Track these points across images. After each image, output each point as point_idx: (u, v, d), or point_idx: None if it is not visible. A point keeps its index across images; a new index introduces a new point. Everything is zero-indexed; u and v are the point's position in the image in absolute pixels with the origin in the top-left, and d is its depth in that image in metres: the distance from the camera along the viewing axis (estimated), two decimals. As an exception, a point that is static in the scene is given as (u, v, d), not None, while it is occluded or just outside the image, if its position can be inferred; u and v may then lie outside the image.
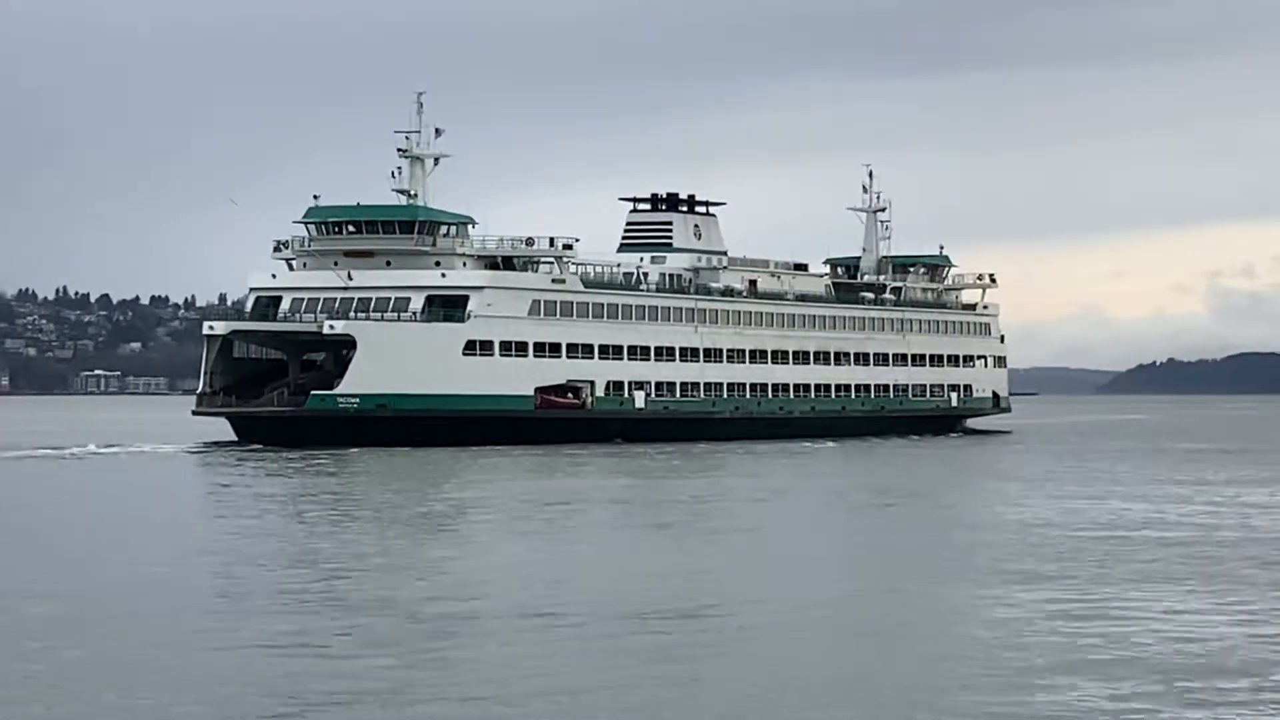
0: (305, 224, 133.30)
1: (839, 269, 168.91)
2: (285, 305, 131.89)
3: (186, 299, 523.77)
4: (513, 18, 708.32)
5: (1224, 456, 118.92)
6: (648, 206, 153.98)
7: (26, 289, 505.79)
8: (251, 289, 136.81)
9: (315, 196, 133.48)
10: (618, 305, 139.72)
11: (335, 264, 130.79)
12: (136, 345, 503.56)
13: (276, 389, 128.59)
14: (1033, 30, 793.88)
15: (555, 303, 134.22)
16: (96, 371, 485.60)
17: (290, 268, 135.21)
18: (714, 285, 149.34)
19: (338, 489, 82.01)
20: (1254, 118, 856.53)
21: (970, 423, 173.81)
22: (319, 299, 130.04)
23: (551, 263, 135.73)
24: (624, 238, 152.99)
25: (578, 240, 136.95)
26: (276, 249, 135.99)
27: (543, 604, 39.08)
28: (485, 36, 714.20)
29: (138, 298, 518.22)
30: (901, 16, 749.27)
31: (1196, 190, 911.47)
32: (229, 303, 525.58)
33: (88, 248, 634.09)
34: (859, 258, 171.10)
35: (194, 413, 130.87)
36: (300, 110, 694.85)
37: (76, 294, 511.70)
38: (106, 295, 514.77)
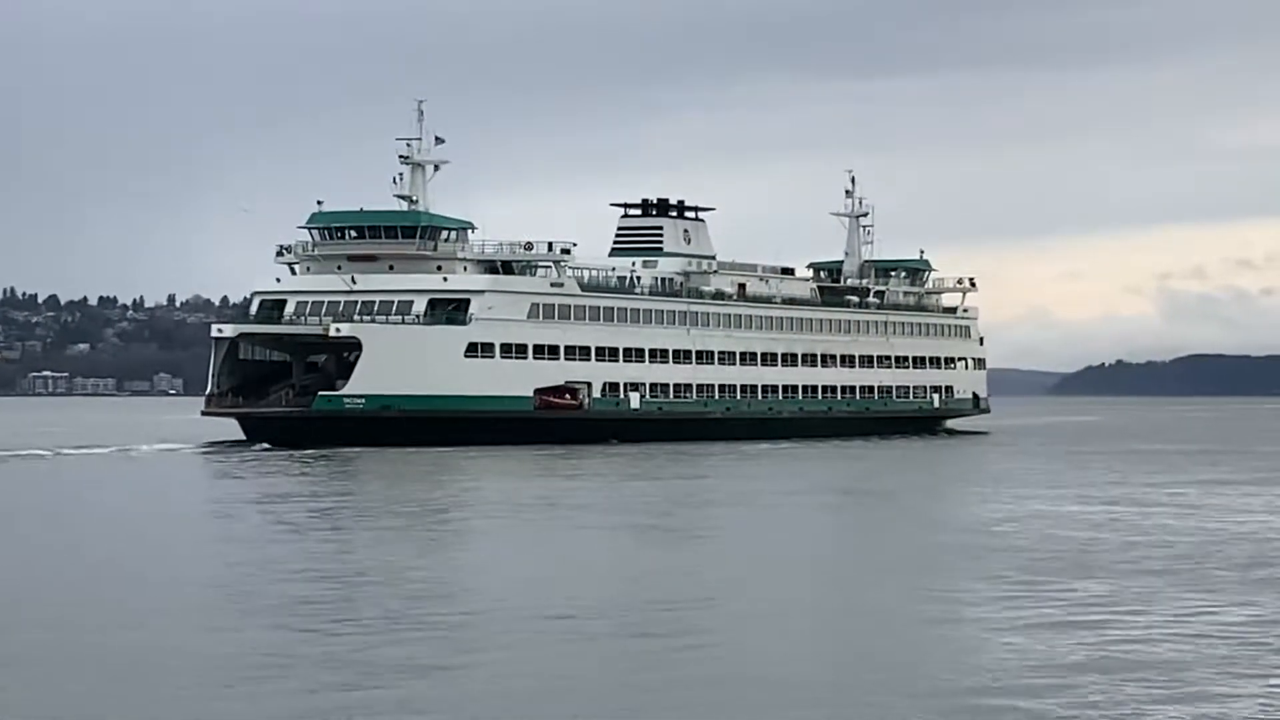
0: (309, 229, 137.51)
1: (822, 273, 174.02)
2: (290, 308, 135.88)
3: (135, 300, 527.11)
4: (502, 20, 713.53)
5: (1209, 456, 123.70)
6: (638, 212, 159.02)
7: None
8: (255, 293, 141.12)
9: (319, 202, 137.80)
10: (614, 308, 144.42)
11: (339, 268, 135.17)
12: (84, 346, 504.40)
13: (281, 390, 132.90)
14: (987, 33, 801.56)
15: (554, 306, 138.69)
16: (44, 373, 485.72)
17: (293, 271, 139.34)
18: (705, 289, 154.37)
19: (348, 489, 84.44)
20: (1206, 120, 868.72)
21: (951, 424, 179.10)
22: (323, 302, 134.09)
23: (549, 267, 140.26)
24: (615, 242, 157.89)
25: (575, 245, 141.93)
26: (279, 253, 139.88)
27: (528, 604, 39.93)
28: (460, 38, 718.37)
29: (85, 299, 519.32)
30: (856, 19, 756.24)
31: (1149, 192, 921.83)
32: (178, 304, 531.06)
33: (36, 248, 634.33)
34: (841, 262, 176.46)
35: (203, 413, 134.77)
36: (294, 114, 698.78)
37: (24, 295, 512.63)
38: (54, 296, 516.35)
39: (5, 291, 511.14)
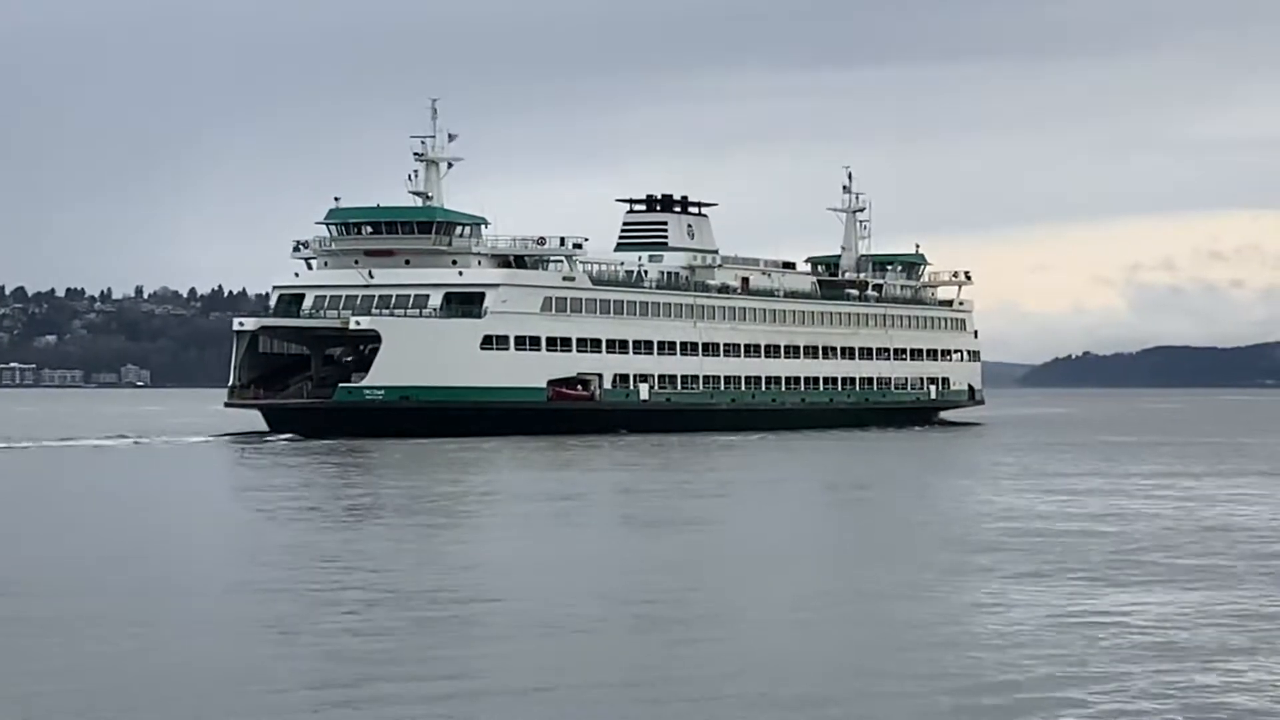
0: (327, 224, 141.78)
1: (819, 267, 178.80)
2: (308, 302, 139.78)
3: (102, 291, 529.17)
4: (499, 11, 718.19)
5: (1207, 448, 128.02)
6: (643, 207, 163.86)
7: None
8: (275, 287, 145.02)
9: (336, 198, 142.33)
10: (623, 302, 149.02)
11: (356, 263, 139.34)
12: (52, 338, 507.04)
13: (300, 382, 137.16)
14: (954, 25, 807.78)
15: (566, 299, 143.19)
16: (11, 365, 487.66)
17: (309, 266, 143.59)
18: (710, 283, 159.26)
19: (369, 481, 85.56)
20: (1177, 112, 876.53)
21: (946, 415, 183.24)
22: (341, 296, 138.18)
23: (561, 261, 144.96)
24: (621, 237, 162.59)
25: (587, 239, 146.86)
26: (296, 249, 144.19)
27: (528, 597, 40.27)
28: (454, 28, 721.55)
29: (53, 290, 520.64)
30: (819, 10, 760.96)
31: (1118, 184, 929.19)
32: (145, 295, 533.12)
33: (3, 240, 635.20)
34: (839, 256, 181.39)
35: (226, 405, 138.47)
36: (275, 108, 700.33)
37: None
38: (22, 288, 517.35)
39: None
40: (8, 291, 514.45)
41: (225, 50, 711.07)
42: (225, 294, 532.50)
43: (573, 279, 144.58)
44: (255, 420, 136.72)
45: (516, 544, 54.15)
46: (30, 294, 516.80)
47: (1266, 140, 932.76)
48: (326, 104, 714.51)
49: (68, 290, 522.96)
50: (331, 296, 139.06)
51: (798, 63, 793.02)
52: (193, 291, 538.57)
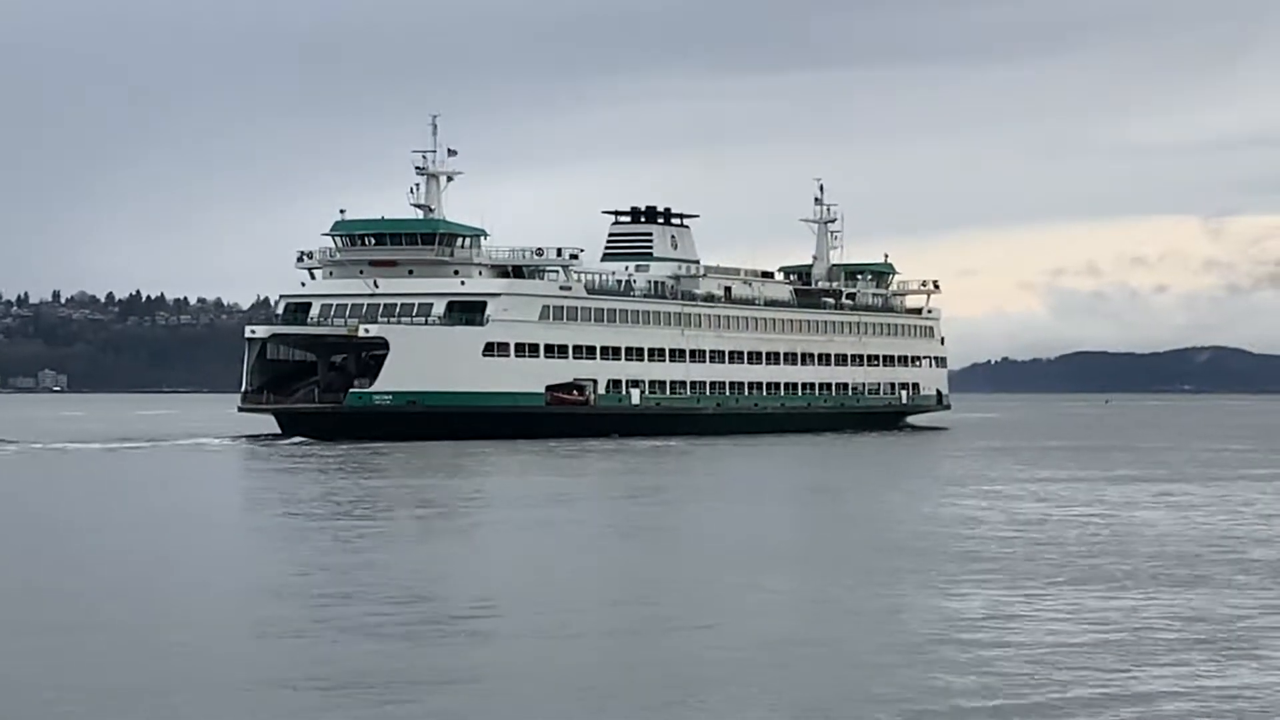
0: (332, 236, 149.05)
1: (791, 275, 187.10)
2: (315, 311, 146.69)
3: (19, 296, 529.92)
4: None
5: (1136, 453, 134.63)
6: (628, 219, 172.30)
7: None
8: (282, 296, 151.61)
9: (341, 211, 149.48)
10: (617, 310, 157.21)
11: (360, 272, 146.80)
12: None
13: (306, 387, 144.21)
14: (878, 31, 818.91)
15: (562, 308, 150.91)
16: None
17: (312, 276, 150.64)
18: (696, 292, 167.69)
19: (380, 484, 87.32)
20: (1100, 117, 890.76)
21: (915, 419, 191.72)
22: (347, 305, 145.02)
23: (557, 271, 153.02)
24: (607, 247, 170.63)
25: (582, 250, 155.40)
26: (300, 259, 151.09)
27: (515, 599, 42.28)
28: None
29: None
30: (748, 12, 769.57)
31: (1045, 189, 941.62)
32: (63, 299, 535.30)
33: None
34: (810, 265, 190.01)
35: (239, 409, 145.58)
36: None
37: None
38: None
39: None
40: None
41: (153, 56, 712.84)
42: (143, 298, 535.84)
43: (569, 288, 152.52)
44: (269, 424, 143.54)
45: (510, 544, 57.22)
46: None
47: (1191, 146, 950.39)
48: (258, 105, 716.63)
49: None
50: (338, 305, 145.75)
51: (726, 67, 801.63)
52: (110, 296, 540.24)
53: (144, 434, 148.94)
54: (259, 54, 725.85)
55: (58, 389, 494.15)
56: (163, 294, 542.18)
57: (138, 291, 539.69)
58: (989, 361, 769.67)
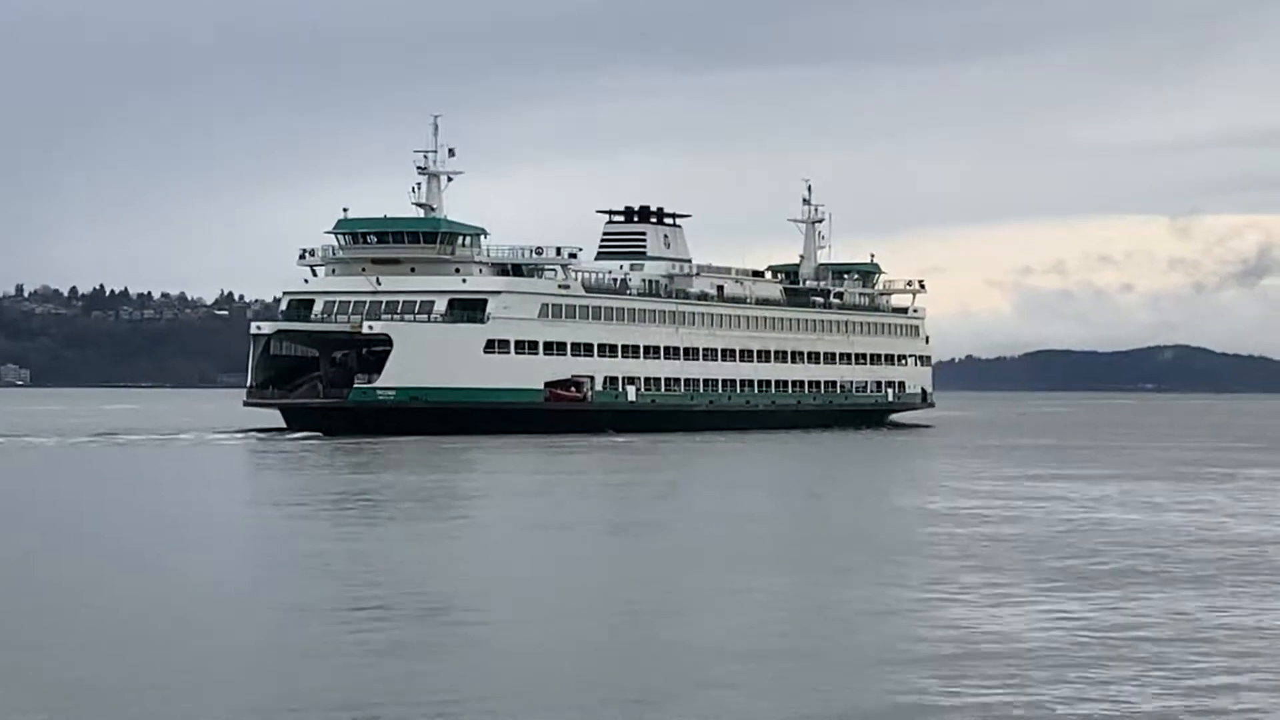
0: (336, 234, 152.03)
1: (780, 275, 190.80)
2: (318, 307, 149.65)
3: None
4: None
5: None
6: (622, 218, 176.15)
7: None
8: (285, 293, 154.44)
9: (344, 210, 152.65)
10: (614, 308, 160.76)
11: (363, 270, 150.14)
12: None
13: (309, 382, 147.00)
14: (854, 29, 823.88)
15: (561, 306, 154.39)
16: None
17: (314, 273, 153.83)
18: (690, 290, 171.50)
19: (382, 479, 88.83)
20: (1073, 118, 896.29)
21: (900, 417, 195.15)
22: (350, 301, 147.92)
23: (556, 270, 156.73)
24: (601, 246, 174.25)
25: (580, 250, 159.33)
26: (302, 256, 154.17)
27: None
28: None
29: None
30: (709, 12, 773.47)
31: (1014, 188, 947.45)
32: (26, 294, 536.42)
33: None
34: (798, 265, 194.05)
35: (245, 404, 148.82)
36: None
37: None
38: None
39: None
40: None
41: (141, 46, 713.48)
42: (107, 293, 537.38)
43: (568, 287, 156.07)
44: (274, 418, 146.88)
45: (504, 538, 58.44)
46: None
47: (1158, 147, 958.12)
48: (232, 103, 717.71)
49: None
50: (340, 302, 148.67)
51: (675, 65, 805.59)
52: (74, 290, 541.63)
53: (155, 428, 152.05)
54: (247, 50, 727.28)
55: (20, 383, 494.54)
56: (126, 289, 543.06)
57: (101, 286, 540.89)
58: (953, 360, 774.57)
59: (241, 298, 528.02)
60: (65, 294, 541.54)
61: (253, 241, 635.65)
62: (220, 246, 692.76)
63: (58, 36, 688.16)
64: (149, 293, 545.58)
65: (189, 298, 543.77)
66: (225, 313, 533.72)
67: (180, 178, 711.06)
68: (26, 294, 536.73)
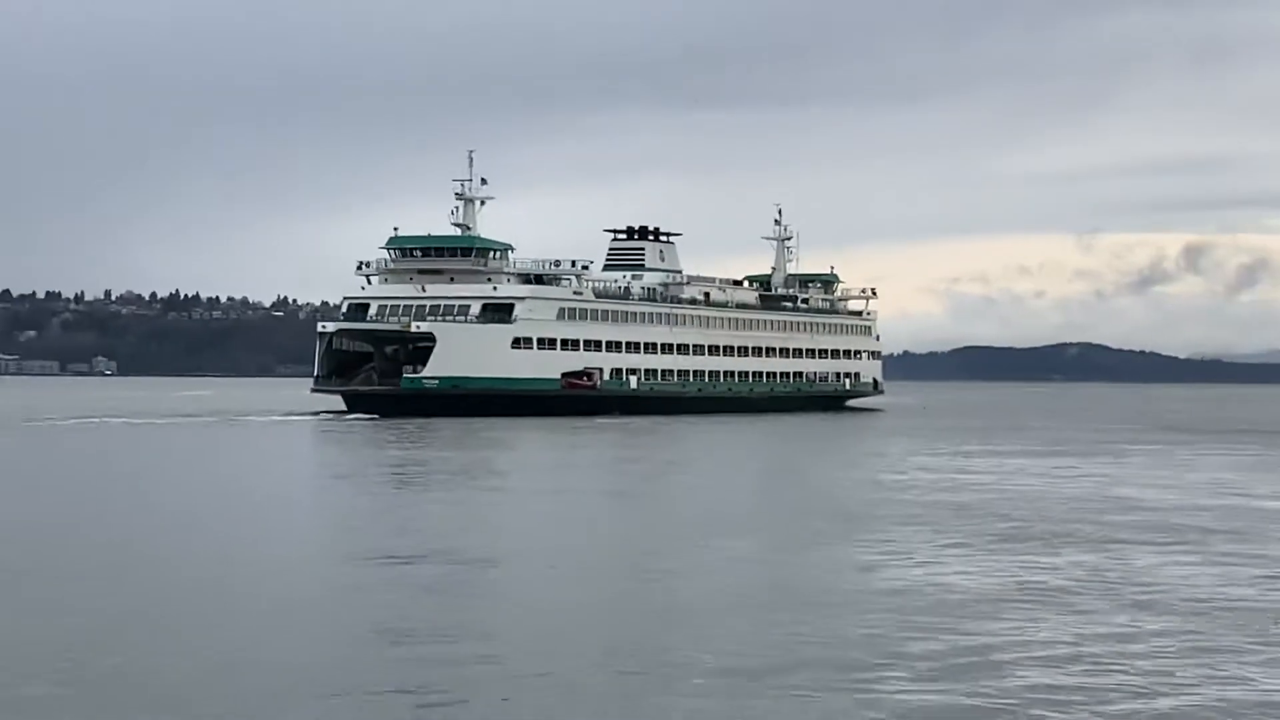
0: (388, 249, 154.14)
1: (755, 283, 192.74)
2: (373, 310, 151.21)
3: (77, 294, 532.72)
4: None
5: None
6: (625, 236, 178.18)
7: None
8: (345, 298, 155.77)
9: (395, 229, 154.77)
10: (619, 311, 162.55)
11: (411, 279, 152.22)
12: (33, 333, 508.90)
13: (365, 372, 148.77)
14: (811, 78, 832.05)
15: (575, 309, 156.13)
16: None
17: (369, 281, 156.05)
18: (682, 296, 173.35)
19: (429, 452, 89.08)
20: (993, 151, 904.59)
21: (855, 402, 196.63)
22: (400, 305, 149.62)
23: (571, 279, 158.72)
24: (608, 260, 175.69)
25: (591, 262, 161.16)
26: (359, 267, 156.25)
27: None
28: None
29: (34, 293, 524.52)
30: (697, 62, 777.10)
31: (946, 209, 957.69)
32: (113, 297, 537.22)
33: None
34: (770, 275, 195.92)
35: (312, 390, 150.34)
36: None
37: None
38: (7, 290, 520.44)
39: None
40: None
41: (211, 86, 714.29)
42: (182, 296, 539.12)
43: (581, 293, 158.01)
44: (336, 403, 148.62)
45: (526, 502, 57.72)
46: (15, 295, 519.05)
47: (1067, 175, 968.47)
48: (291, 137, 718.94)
49: (47, 293, 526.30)
50: (392, 305, 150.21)
51: (668, 106, 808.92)
52: (154, 294, 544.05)
53: (242, 410, 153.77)
54: (305, 92, 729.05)
55: (108, 373, 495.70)
56: (198, 293, 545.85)
57: (177, 291, 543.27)
58: (893, 354, 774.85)
59: (294, 301, 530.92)
60: (147, 297, 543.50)
61: (304, 255, 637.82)
62: (277, 259, 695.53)
63: (145, 80, 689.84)
64: (217, 296, 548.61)
65: (250, 301, 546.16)
66: (281, 314, 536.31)
67: (244, 201, 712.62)
68: (114, 297, 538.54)
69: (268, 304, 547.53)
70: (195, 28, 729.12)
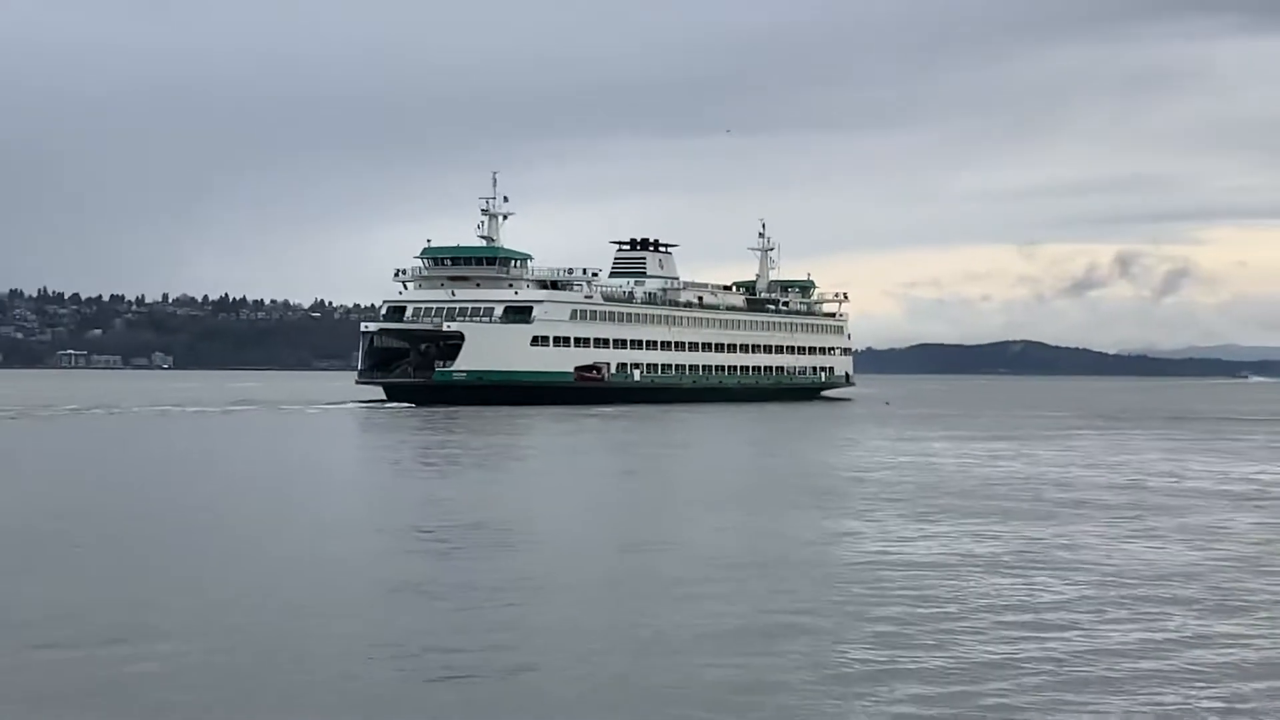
0: (422, 258, 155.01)
1: (742, 288, 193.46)
2: (409, 312, 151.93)
3: (138, 297, 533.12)
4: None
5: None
6: (629, 247, 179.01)
7: (17, 289, 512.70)
8: (384, 301, 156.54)
9: (428, 240, 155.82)
10: (624, 313, 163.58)
11: (442, 285, 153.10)
12: (99, 331, 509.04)
13: (402, 367, 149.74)
14: (791, 107, 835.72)
15: (586, 311, 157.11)
16: (69, 351, 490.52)
17: (405, 287, 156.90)
18: (678, 300, 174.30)
19: (459, 435, 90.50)
20: (945, 172, 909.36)
21: (828, 393, 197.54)
22: (432, 308, 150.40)
23: (582, 285, 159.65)
24: (614, 267, 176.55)
25: (600, 270, 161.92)
26: (396, 274, 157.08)
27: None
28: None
29: (100, 296, 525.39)
30: (690, 94, 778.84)
31: (904, 223, 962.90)
32: (170, 299, 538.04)
33: (65, 257, 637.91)
34: (755, 281, 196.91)
35: (356, 382, 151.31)
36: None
37: (54, 293, 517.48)
38: (77, 294, 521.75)
39: (40, 290, 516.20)
40: (66, 296, 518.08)
41: (253, 112, 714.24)
42: (230, 299, 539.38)
43: (591, 297, 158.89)
44: (377, 393, 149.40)
45: (542, 481, 56.84)
46: (84, 299, 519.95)
47: (1011, 194, 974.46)
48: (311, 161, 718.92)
49: (111, 296, 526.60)
50: (426, 308, 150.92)
51: (665, 133, 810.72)
52: (205, 297, 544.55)
53: (292, 400, 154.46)
54: (347, 117, 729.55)
55: (165, 367, 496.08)
56: (245, 296, 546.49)
57: (226, 294, 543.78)
58: (858, 351, 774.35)
59: (330, 303, 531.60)
60: (199, 300, 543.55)
61: (338, 262, 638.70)
62: (315, 266, 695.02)
63: (206, 109, 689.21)
64: (261, 299, 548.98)
65: (291, 303, 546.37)
66: (318, 315, 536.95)
67: (287, 214, 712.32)
68: (170, 300, 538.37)
69: (306, 305, 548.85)
70: (250, 58, 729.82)
